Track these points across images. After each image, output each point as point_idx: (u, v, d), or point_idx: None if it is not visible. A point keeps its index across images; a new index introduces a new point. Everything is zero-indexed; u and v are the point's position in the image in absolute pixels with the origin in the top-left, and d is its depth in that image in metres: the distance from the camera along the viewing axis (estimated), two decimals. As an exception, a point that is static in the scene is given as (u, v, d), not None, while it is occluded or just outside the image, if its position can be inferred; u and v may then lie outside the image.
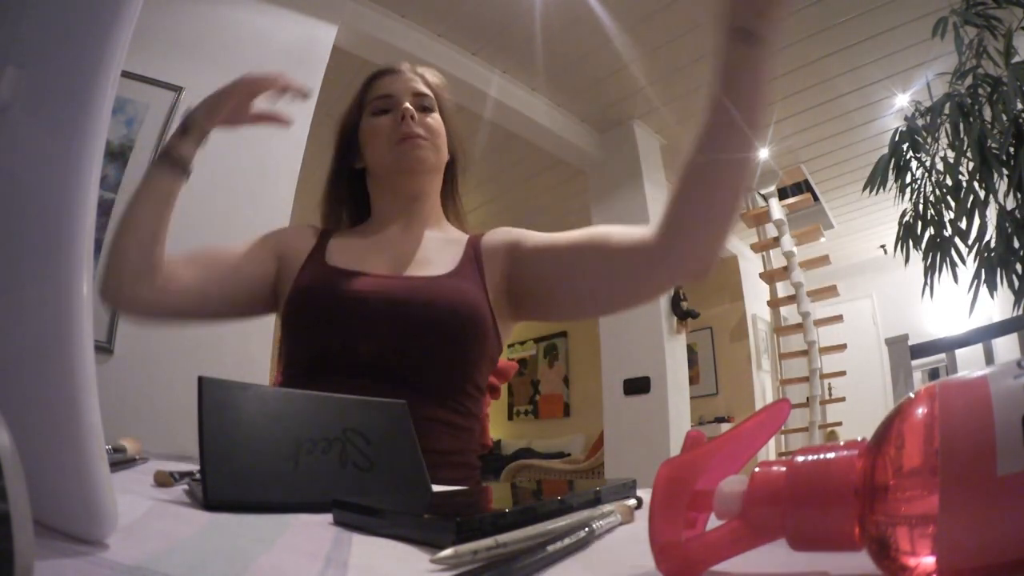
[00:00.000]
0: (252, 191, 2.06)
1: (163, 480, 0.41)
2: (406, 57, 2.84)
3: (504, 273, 0.79)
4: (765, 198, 4.22)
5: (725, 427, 4.44)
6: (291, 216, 2.10)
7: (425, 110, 0.85)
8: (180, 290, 0.74)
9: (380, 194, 0.88)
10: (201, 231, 1.94)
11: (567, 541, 0.26)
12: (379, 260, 0.80)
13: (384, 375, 0.70)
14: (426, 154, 0.82)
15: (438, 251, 0.82)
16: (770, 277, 4.47)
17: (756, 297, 4.96)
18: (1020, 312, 1.90)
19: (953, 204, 2.14)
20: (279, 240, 0.85)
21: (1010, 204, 1.97)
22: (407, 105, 0.82)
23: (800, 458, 0.20)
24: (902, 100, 3.18)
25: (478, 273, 0.79)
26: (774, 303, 4.51)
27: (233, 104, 0.81)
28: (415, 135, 0.81)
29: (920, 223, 2.26)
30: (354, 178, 0.90)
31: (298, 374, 0.73)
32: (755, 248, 4.48)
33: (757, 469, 0.21)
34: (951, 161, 2.10)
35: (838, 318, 4.31)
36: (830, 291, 4.37)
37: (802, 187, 4.18)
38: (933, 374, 4.06)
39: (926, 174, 2.24)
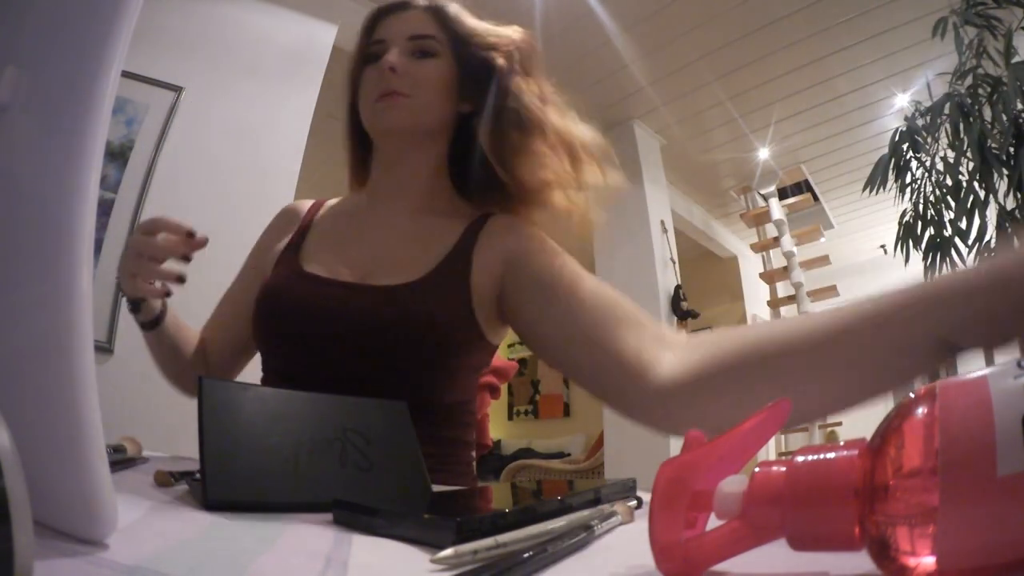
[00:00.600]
0: (252, 191, 2.06)
1: (163, 480, 0.41)
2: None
3: (495, 278, 0.69)
4: (765, 198, 4.22)
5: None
6: (291, 216, 2.10)
7: (422, 55, 0.72)
8: (223, 360, 0.80)
9: (373, 158, 0.78)
10: (200, 231, 1.94)
11: (567, 541, 0.26)
12: (353, 256, 0.72)
13: (350, 392, 0.58)
14: (399, 115, 0.69)
15: (421, 243, 0.71)
16: (770, 277, 4.47)
17: (756, 297, 4.96)
18: (1020, 312, 1.90)
19: (953, 204, 2.14)
20: (262, 252, 0.81)
21: (1010, 204, 1.97)
22: (388, 56, 0.69)
23: (800, 458, 0.20)
24: (902, 100, 3.19)
25: (459, 276, 0.67)
26: (774, 303, 4.51)
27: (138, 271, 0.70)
28: (390, 91, 0.69)
29: (920, 223, 2.26)
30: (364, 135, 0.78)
31: (273, 381, 0.71)
32: (755, 248, 4.48)
33: (757, 469, 0.21)
34: (951, 161, 2.10)
35: (838, 318, 4.30)
36: (830, 291, 4.37)
37: (802, 187, 4.18)
38: (933, 374, 4.05)
39: (926, 174, 2.24)
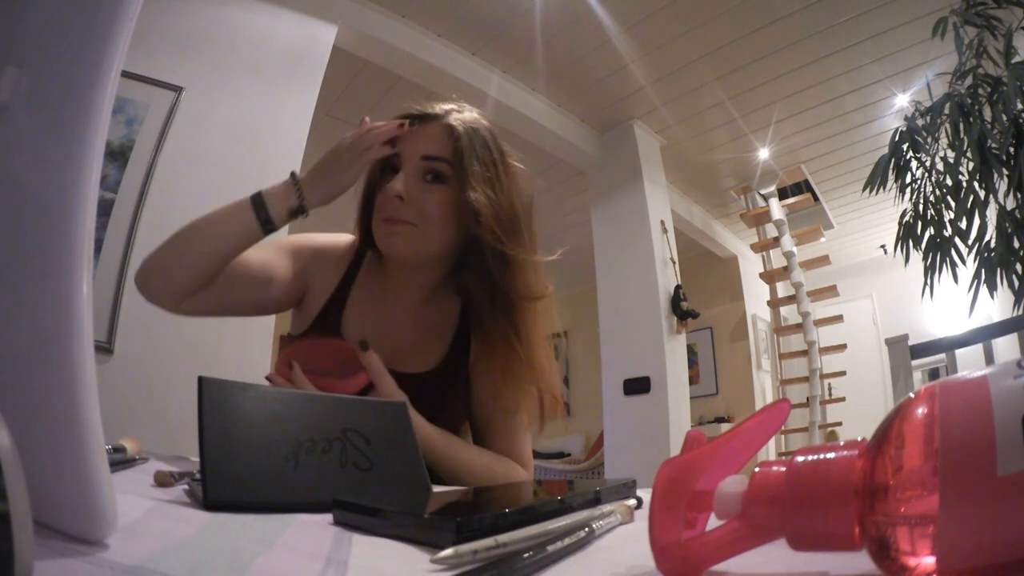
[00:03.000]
0: (252, 191, 2.06)
1: (163, 480, 0.41)
2: (406, 57, 2.85)
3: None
4: (765, 198, 4.22)
5: (725, 427, 4.43)
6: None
7: (434, 178, 0.71)
8: (211, 305, 0.74)
9: None
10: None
11: (567, 541, 0.26)
12: (386, 336, 0.75)
13: None
14: (403, 243, 0.71)
15: (432, 332, 0.79)
16: (770, 277, 4.47)
17: (756, 297, 4.96)
18: (1020, 312, 1.90)
19: (953, 204, 2.14)
20: (309, 263, 0.80)
21: (1010, 204, 1.97)
22: (397, 181, 0.70)
23: (800, 458, 0.20)
24: (902, 100, 3.18)
25: (462, 360, 0.78)
26: (774, 303, 4.51)
27: (347, 173, 0.71)
28: (397, 219, 0.70)
29: (920, 223, 2.26)
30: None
31: None
32: (755, 248, 4.48)
33: (757, 469, 0.21)
34: (951, 161, 2.10)
35: (838, 318, 4.31)
36: (830, 291, 4.38)
37: (802, 187, 4.18)
38: (933, 374, 4.06)
39: (926, 174, 2.24)
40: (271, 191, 0.70)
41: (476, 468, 0.71)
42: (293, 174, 0.71)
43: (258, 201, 0.69)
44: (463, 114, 0.75)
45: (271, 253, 0.77)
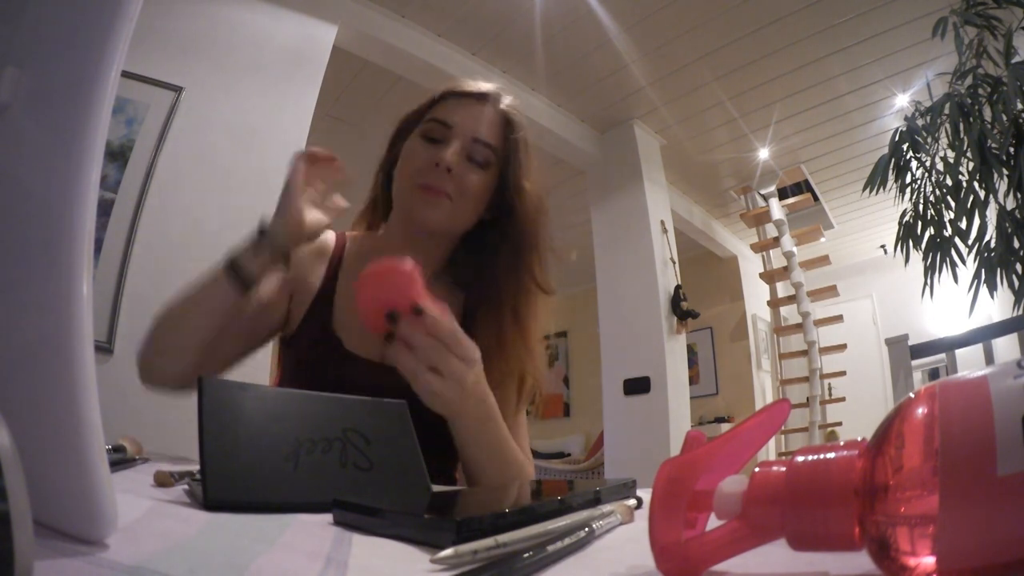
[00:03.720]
0: (252, 191, 2.06)
1: (163, 480, 0.41)
2: (406, 57, 2.85)
3: None
4: (765, 198, 4.22)
5: (725, 427, 4.43)
6: (291, 216, 2.10)
7: (475, 163, 0.72)
8: (223, 362, 0.73)
9: (395, 219, 0.79)
10: (200, 231, 1.94)
11: (567, 541, 0.26)
12: None
13: None
14: (438, 215, 0.71)
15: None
16: (770, 277, 4.47)
17: (756, 297, 4.96)
18: (1020, 312, 1.90)
19: (953, 204, 2.14)
20: (293, 276, 0.77)
21: (1010, 204, 1.97)
22: (450, 153, 0.70)
23: (800, 458, 0.20)
24: (902, 100, 3.18)
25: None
26: (774, 303, 4.51)
27: (301, 201, 0.67)
28: (439, 190, 0.70)
29: (920, 223, 2.26)
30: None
31: None
32: (755, 248, 4.48)
33: (757, 469, 0.21)
34: (951, 161, 2.10)
35: (838, 318, 4.31)
36: (830, 291, 4.38)
37: (802, 187, 4.18)
38: (933, 374, 4.06)
39: (926, 174, 2.24)
40: (241, 250, 0.65)
41: (517, 456, 0.67)
42: (260, 222, 0.67)
43: (233, 265, 0.64)
44: (511, 99, 0.77)
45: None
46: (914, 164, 2.27)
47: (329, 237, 0.82)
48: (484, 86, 0.77)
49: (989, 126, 1.97)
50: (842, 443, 0.20)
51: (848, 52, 2.94)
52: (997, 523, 0.16)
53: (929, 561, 0.17)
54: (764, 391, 4.87)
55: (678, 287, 3.41)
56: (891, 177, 2.28)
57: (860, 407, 4.13)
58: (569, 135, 3.47)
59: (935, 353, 1.55)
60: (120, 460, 0.51)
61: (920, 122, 2.21)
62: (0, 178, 0.24)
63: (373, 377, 0.67)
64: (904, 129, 2.25)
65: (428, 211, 0.71)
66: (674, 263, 3.49)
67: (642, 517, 0.25)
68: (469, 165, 0.72)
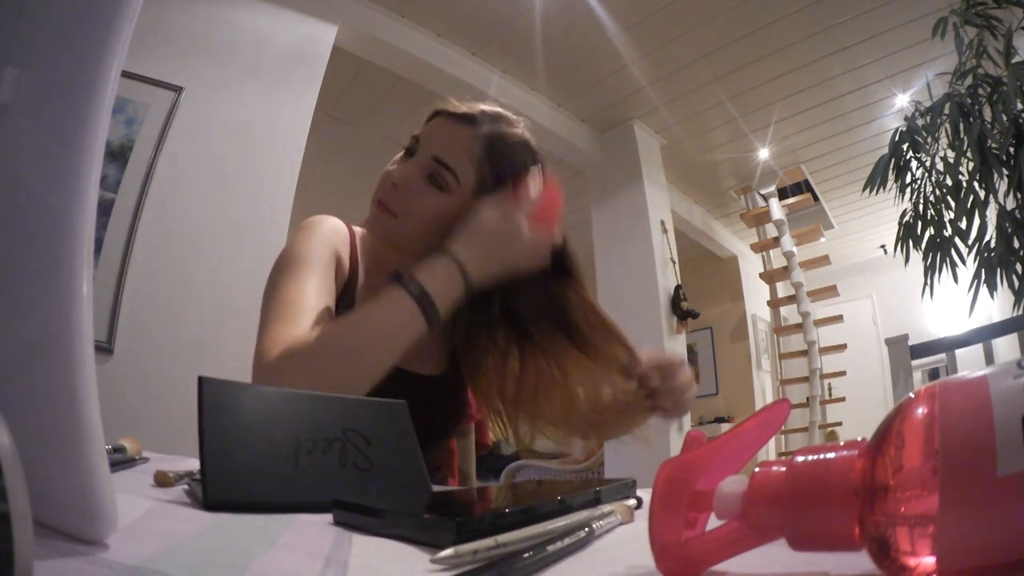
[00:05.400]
0: (252, 191, 2.07)
1: (163, 480, 0.41)
2: (406, 57, 2.84)
3: None
4: (765, 198, 4.22)
5: (725, 427, 4.43)
6: (291, 216, 2.11)
7: (431, 183, 0.67)
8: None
9: None
10: (200, 231, 1.94)
11: (567, 541, 0.26)
12: None
13: None
14: (381, 230, 0.69)
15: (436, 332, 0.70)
16: (770, 277, 4.47)
17: (756, 297, 4.96)
18: (1020, 312, 1.90)
19: (953, 204, 2.14)
20: (330, 266, 0.73)
21: (1010, 204, 1.97)
22: (396, 169, 0.68)
23: (800, 458, 0.20)
24: (902, 100, 3.19)
25: (466, 356, 0.77)
26: (774, 303, 4.51)
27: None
28: (384, 205, 0.67)
29: (920, 223, 2.26)
30: None
31: None
32: (755, 248, 4.48)
33: (757, 469, 0.21)
34: (951, 161, 2.10)
35: (838, 318, 4.31)
36: (830, 291, 4.38)
37: (802, 187, 4.19)
38: (933, 374, 4.06)
39: (926, 174, 2.24)
40: (431, 284, 0.60)
41: None
42: (451, 252, 0.62)
43: (423, 299, 0.60)
44: (499, 126, 0.69)
45: (329, 278, 0.71)
46: (914, 164, 2.27)
47: (340, 226, 0.78)
48: (474, 107, 0.70)
49: (989, 126, 1.97)
50: (842, 443, 0.20)
51: (848, 52, 2.94)
52: (997, 523, 0.16)
53: (929, 561, 0.17)
54: (764, 391, 4.87)
55: (678, 287, 3.41)
56: (891, 177, 2.29)
57: (860, 407, 4.13)
58: (569, 135, 3.47)
59: (935, 353, 1.55)
60: (120, 460, 0.51)
61: (920, 122, 2.21)
62: (0, 178, 0.24)
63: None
64: (904, 129, 2.25)
65: (373, 225, 0.69)
66: (674, 263, 3.49)
67: (642, 517, 0.25)
68: (425, 186, 0.67)
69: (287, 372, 0.56)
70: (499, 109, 0.72)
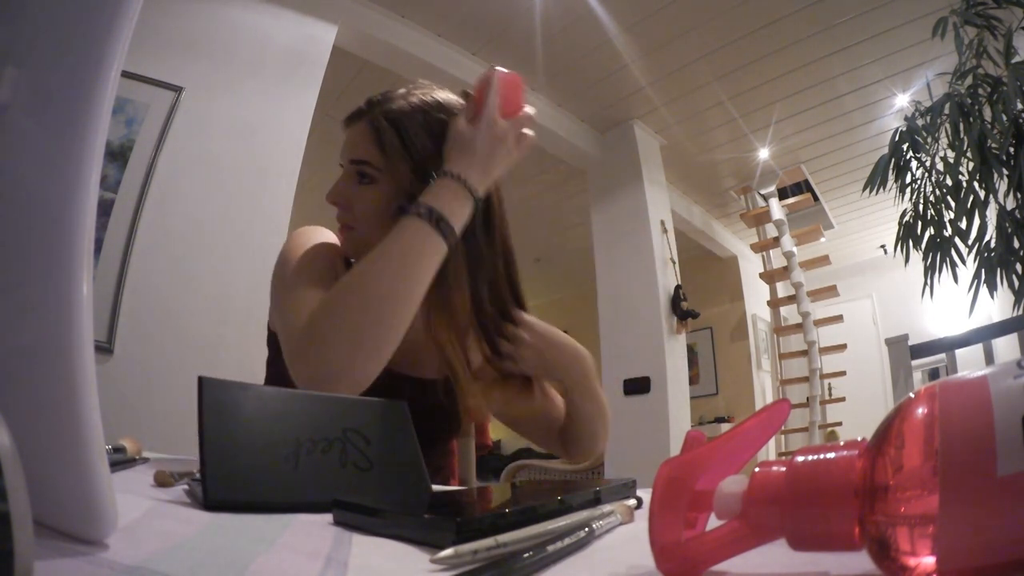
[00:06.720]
0: (252, 191, 2.06)
1: (163, 480, 0.41)
2: (406, 57, 2.84)
3: None
4: (765, 198, 4.22)
5: (725, 427, 4.43)
6: (291, 216, 2.11)
7: (362, 181, 0.69)
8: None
9: None
10: (200, 231, 1.94)
11: (567, 541, 0.26)
12: None
13: None
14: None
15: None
16: (770, 277, 4.47)
17: (756, 297, 4.96)
18: (1020, 312, 1.90)
19: (953, 204, 2.14)
20: (336, 263, 0.75)
21: (1010, 204, 1.97)
22: (331, 190, 0.70)
23: (800, 458, 0.20)
24: (902, 100, 3.19)
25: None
26: (774, 303, 4.51)
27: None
28: (342, 225, 0.71)
29: (920, 223, 2.26)
30: None
31: None
32: (755, 248, 4.48)
33: (757, 469, 0.21)
34: (951, 161, 2.10)
35: (838, 318, 4.31)
36: (830, 291, 4.38)
37: (802, 187, 4.19)
38: (933, 374, 4.06)
39: (926, 174, 2.24)
40: (438, 202, 0.60)
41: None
42: (444, 172, 0.63)
43: (433, 216, 0.60)
44: (396, 103, 0.69)
45: (332, 267, 0.72)
46: (914, 164, 2.27)
47: (331, 235, 0.79)
48: (368, 100, 0.71)
49: (989, 126, 1.97)
50: (842, 443, 0.20)
51: (848, 52, 2.94)
52: (997, 523, 0.16)
53: (929, 561, 0.17)
54: (764, 391, 4.87)
55: (678, 287, 3.41)
56: (891, 177, 2.29)
57: (860, 407, 4.13)
58: (569, 135, 3.47)
59: (935, 353, 1.55)
60: (120, 460, 0.51)
61: (920, 122, 2.21)
62: (0, 178, 0.24)
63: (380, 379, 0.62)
64: (904, 129, 2.25)
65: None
66: (674, 263, 3.49)
67: (642, 517, 0.25)
68: (359, 189, 0.69)
69: (321, 329, 0.55)
70: (392, 89, 0.72)
